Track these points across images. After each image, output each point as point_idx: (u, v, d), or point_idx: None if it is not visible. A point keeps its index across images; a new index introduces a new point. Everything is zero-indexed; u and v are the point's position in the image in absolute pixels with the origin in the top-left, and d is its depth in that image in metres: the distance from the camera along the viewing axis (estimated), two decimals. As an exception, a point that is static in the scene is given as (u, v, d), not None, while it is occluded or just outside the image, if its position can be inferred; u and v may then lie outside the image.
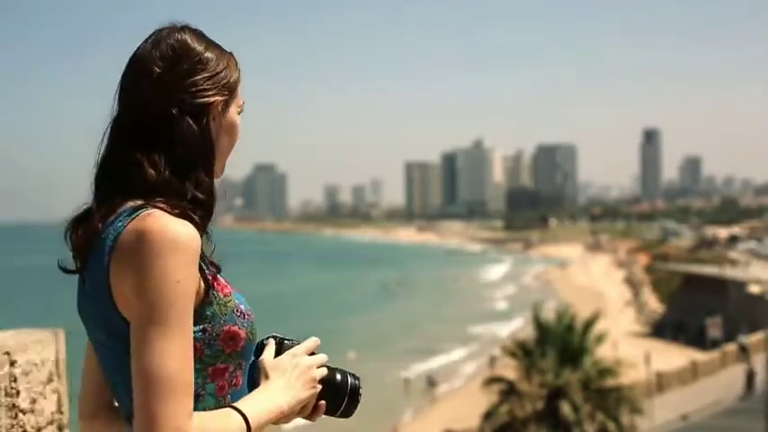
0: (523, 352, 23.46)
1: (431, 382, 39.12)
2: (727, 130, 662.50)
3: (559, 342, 23.11)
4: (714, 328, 45.05)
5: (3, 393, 2.19)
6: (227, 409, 1.40)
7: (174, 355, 1.30)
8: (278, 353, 1.55)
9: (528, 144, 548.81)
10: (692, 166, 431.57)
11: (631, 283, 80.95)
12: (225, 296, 1.44)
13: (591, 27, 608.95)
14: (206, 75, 1.48)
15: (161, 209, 1.38)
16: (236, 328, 1.44)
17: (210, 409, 1.40)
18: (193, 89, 1.46)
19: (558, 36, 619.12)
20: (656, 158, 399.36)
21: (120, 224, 1.38)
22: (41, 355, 2.35)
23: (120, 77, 1.50)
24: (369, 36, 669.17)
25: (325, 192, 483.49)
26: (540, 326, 24.14)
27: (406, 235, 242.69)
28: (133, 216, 1.37)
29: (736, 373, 34.42)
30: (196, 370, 1.36)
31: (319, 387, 1.54)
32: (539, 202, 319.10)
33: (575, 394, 21.78)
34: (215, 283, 1.43)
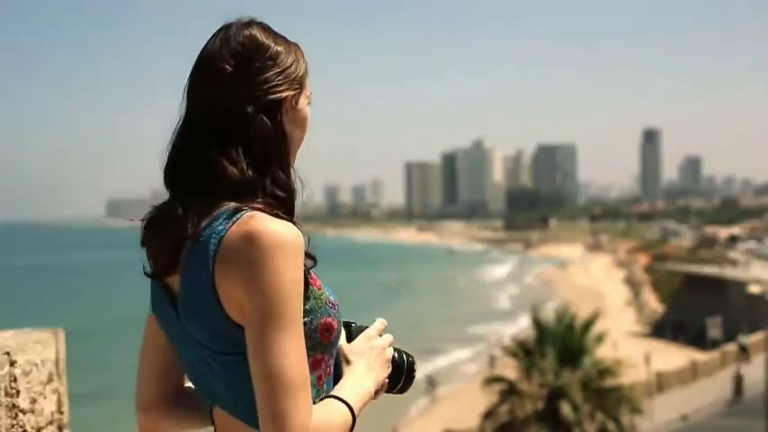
0: (524, 352, 23.46)
1: (431, 382, 39.09)
2: (727, 130, 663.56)
3: (559, 342, 23.08)
4: (714, 328, 45.01)
5: (3, 393, 2.18)
6: (331, 400, 1.43)
7: (293, 354, 1.32)
8: (347, 336, 1.58)
9: (528, 144, 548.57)
10: (692, 166, 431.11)
11: (631, 283, 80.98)
12: (318, 289, 1.46)
13: (591, 27, 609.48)
14: (277, 70, 1.48)
15: (260, 210, 1.38)
16: (330, 319, 1.46)
17: (313, 398, 1.41)
18: (266, 86, 1.46)
19: (558, 36, 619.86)
20: (656, 158, 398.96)
21: (220, 227, 1.37)
22: (41, 355, 2.34)
23: (189, 76, 1.49)
24: (368, 36, 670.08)
25: (325, 192, 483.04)
26: (540, 326, 24.13)
27: (407, 235, 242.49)
28: (234, 219, 1.37)
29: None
30: None
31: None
32: (539, 202, 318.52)
33: (575, 394, 21.77)
34: (309, 278, 1.45)
